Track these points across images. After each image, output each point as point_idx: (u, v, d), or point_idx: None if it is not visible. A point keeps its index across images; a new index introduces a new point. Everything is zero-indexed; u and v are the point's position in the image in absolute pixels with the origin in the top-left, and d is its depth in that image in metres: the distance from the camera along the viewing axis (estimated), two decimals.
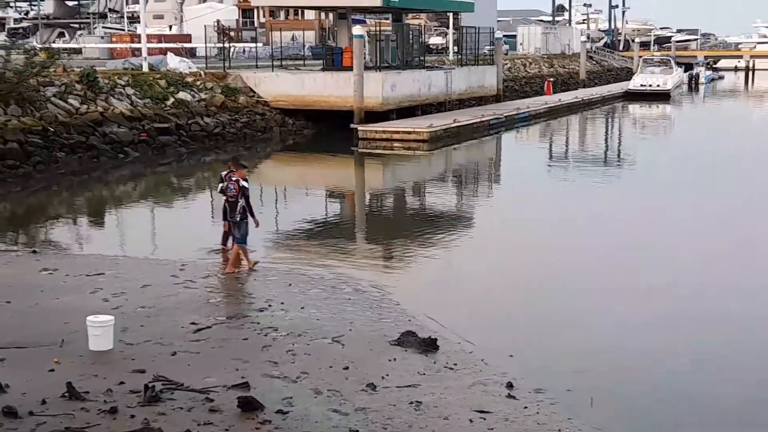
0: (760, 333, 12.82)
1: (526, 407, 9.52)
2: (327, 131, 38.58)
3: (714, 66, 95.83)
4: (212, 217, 20.15)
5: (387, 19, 59.57)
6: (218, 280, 14.57)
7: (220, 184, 15.75)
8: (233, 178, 15.05)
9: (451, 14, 60.52)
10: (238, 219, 14.91)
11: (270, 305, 13.15)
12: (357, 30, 36.80)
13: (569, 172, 30.93)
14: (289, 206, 24.51)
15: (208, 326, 11.90)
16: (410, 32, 44.52)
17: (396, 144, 34.78)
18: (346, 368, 10.43)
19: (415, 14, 67.76)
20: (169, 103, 35.14)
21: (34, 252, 16.90)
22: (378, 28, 41.89)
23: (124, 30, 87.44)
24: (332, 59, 42.06)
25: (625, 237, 19.08)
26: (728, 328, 12.88)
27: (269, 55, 48.59)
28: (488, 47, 53.66)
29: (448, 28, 78.87)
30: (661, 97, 60.59)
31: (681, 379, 10.86)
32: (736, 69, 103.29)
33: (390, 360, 10.81)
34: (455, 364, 10.76)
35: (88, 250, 17.37)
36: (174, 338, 11.36)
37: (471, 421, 9.08)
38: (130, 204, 24.78)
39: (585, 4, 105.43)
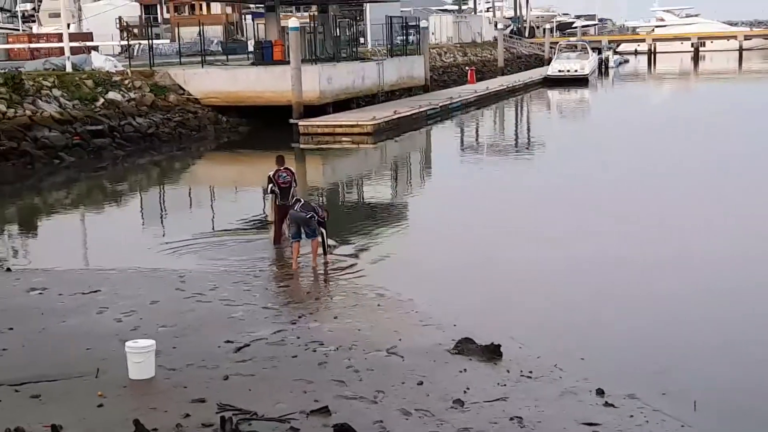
0: None
1: (631, 416, 8.91)
2: (263, 128, 37.42)
3: (617, 50, 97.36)
4: (191, 210, 19.00)
5: (288, 12, 58.09)
6: (229, 292, 13.53)
7: (270, 185, 15.26)
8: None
9: (368, 5, 59.74)
10: (308, 216, 14.49)
11: (300, 316, 12.25)
12: (293, 22, 35.75)
13: (524, 158, 30.65)
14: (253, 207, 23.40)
15: (247, 344, 10.93)
16: (339, 24, 43.56)
17: (342, 138, 33.90)
18: (420, 383, 9.65)
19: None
20: (99, 104, 33.52)
21: (8, 270, 15.50)
22: (312, 22, 40.81)
23: (18, 30, 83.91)
24: (262, 53, 40.85)
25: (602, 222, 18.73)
26: None
27: (176, 52, 47.27)
28: (400, 38, 53.08)
29: (354, 20, 78.10)
30: (579, 82, 61.10)
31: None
32: (636, 52, 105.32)
33: (461, 371, 10.07)
34: (530, 372, 10.08)
35: (68, 264, 15.97)
36: (217, 360, 10.36)
37: None
38: (85, 212, 23.34)
39: None
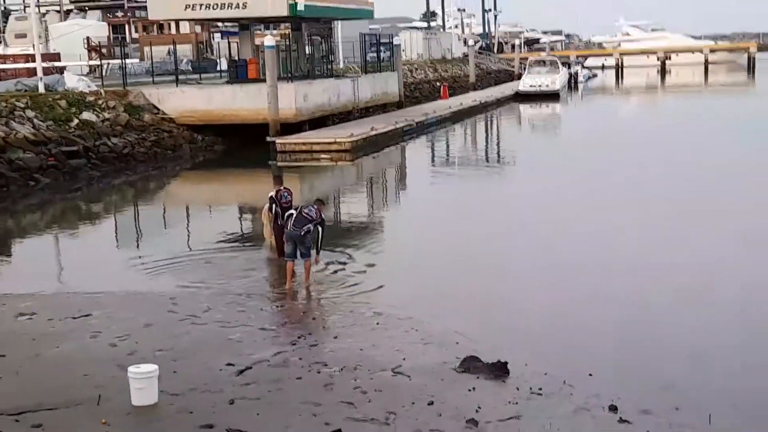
0: None
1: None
2: (239, 146, 37.14)
3: (584, 65, 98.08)
4: (172, 231, 18.73)
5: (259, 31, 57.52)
6: (223, 314, 13.29)
7: (273, 205, 15.25)
8: (314, 206, 14.75)
9: (339, 23, 59.60)
10: (302, 233, 14.37)
11: (299, 337, 12.04)
12: (269, 40, 35.56)
13: (508, 172, 30.67)
14: (234, 226, 23.14)
15: (249, 367, 10.71)
16: (312, 41, 43.40)
17: (321, 155, 33.73)
18: (431, 403, 9.49)
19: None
20: (73, 124, 33.09)
21: None
22: (288, 40, 40.60)
23: None
24: (236, 72, 40.63)
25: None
26: None
27: (146, 71, 46.96)
28: (371, 55, 53.10)
29: (323, 38, 77.91)
30: (550, 97, 61.36)
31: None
32: (603, 67, 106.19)
33: (470, 390, 9.92)
34: (540, 389, 9.94)
35: (54, 288, 15.70)
36: (220, 384, 10.14)
37: None
38: (64, 234, 22.88)
39: (459, 9, 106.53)
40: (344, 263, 16.41)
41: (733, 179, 25.49)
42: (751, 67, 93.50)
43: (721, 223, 19.73)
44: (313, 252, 14.78)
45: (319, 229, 14.59)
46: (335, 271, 15.81)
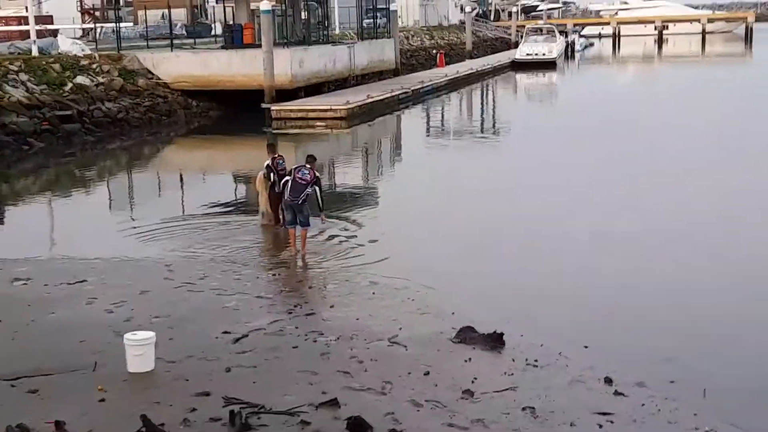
0: None
1: (643, 404, 8.83)
2: (233, 112, 37.01)
3: (581, 34, 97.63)
4: (167, 197, 18.67)
5: None
6: (219, 281, 13.27)
7: (270, 173, 15.29)
8: (307, 166, 14.65)
9: None
10: (300, 202, 14.40)
11: (296, 305, 12.04)
12: (265, 5, 35.28)
13: (504, 143, 30.61)
14: (228, 193, 23.10)
15: (245, 335, 10.71)
16: (307, 7, 43.06)
17: (316, 122, 33.61)
18: (427, 374, 9.50)
19: None
20: (67, 88, 32.91)
21: None
22: (284, 5, 40.25)
23: None
24: (231, 36, 40.37)
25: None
26: None
27: (139, 35, 46.62)
28: (367, 21, 52.79)
29: (319, 4, 77.30)
30: (547, 65, 61.10)
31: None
32: (600, 36, 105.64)
33: (466, 360, 9.94)
34: (536, 361, 9.96)
35: (48, 253, 15.71)
36: (216, 351, 10.15)
37: (600, 426, 8.33)
38: (59, 199, 22.85)
39: None
40: (340, 232, 16.39)
41: (731, 150, 25.46)
42: (748, 38, 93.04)
43: (719, 192, 19.72)
44: (313, 219, 14.79)
45: (317, 189, 14.55)
46: (335, 241, 15.78)
